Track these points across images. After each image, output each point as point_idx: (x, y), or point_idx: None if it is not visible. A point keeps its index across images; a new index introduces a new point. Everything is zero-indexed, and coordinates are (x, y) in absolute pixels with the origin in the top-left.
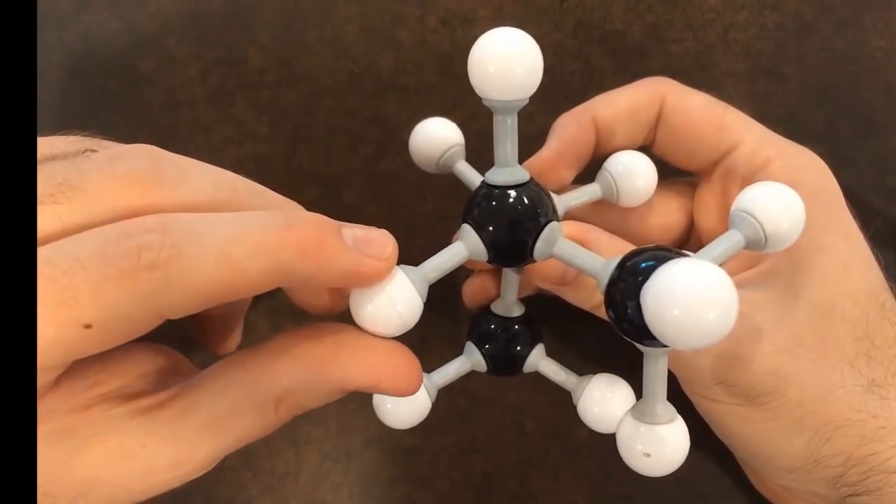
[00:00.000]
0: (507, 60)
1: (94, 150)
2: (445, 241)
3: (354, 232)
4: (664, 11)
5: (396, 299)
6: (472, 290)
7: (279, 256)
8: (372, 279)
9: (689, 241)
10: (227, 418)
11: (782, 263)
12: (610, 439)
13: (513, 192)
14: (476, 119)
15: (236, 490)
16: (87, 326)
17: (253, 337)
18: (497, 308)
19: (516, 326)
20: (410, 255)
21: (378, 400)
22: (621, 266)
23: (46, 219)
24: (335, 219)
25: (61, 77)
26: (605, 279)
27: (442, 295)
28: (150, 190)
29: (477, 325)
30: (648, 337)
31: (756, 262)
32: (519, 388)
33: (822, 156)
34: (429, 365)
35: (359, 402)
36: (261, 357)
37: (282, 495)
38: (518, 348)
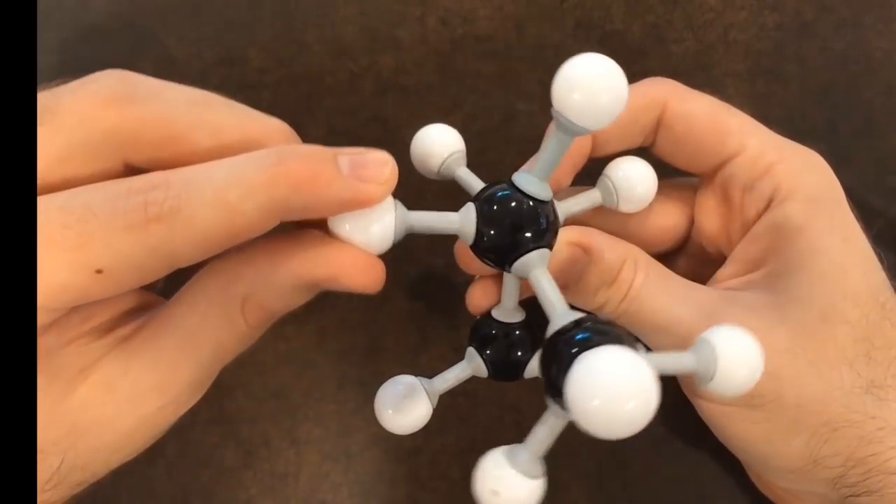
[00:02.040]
0: (595, 88)
1: None
2: (446, 240)
3: (351, 157)
4: (664, 11)
5: (372, 220)
6: (476, 296)
7: (273, 194)
8: (369, 203)
9: (688, 242)
10: (199, 330)
11: (782, 267)
12: (611, 440)
13: (528, 203)
14: (476, 119)
15: (236, 490)
16: (99, 272)
17: None
18: (498, 313)
19: (517, 332)
20: (410, 255)
21: (379, 405)
22: (578, 323)
23: None
24: None
25: (61, 77)
26: (554, 327)
27: (443, 298)
28: (123, 106)
29: (478, 330)
30: (564, 406)
31: (756, 265)
32: (519, 389)
33: (822, 155)
34: (430, 366)
35: (359, 403)
36: (224, 264)
37: (282, 495)
38: (519, 354)
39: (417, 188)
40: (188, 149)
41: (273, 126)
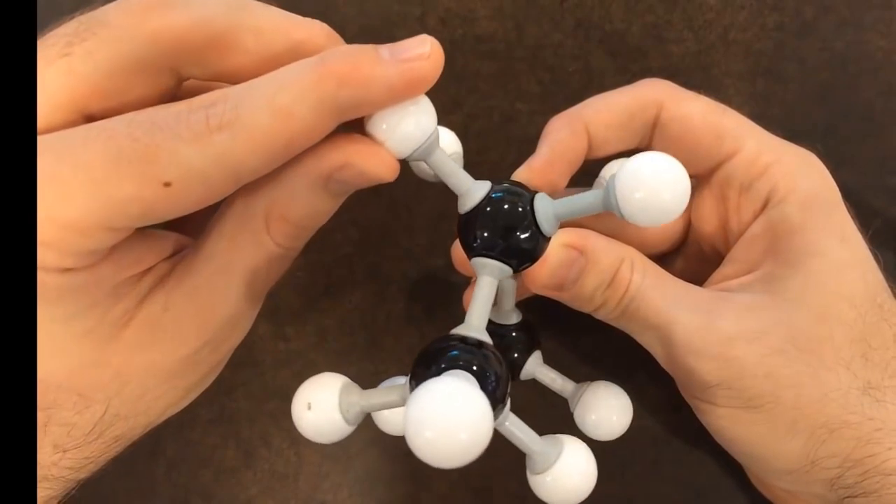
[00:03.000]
0: (658, 193)
1: None
2: (445, 241)
3: (390, 47)
4: (664, 11)
5: (408, 113)
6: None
7: (321, 91)
8: (421, 84)
9: (686, 243)
10: (229, 255)
11: (779, 268)
12: (609, 441)
13: (531, 225)
14: (476, 119)
15: (236, 490)
16: (167, 185)
17: (253, 337)
18: (495, 315)
19: (513, 334)
20: (411, 255)
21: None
22: (474, 343)
23: (78, 60)
24: (333, 220)
25: None
26: (455, 331)
27: (442, 298)
28: (164, 11)
29: None
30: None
31: (753, 266)
32: (518, 388)
33: (821, 156)
34: None
35: None
36: (247, 184)
37: (282, 495)
38: (515, 356)
39: (418, 185)
40: (235, 55)
41: (316, 28)
